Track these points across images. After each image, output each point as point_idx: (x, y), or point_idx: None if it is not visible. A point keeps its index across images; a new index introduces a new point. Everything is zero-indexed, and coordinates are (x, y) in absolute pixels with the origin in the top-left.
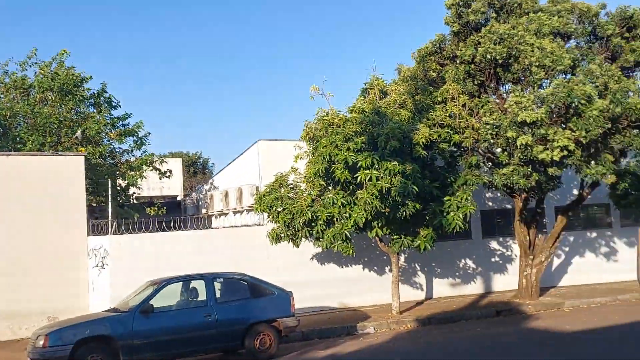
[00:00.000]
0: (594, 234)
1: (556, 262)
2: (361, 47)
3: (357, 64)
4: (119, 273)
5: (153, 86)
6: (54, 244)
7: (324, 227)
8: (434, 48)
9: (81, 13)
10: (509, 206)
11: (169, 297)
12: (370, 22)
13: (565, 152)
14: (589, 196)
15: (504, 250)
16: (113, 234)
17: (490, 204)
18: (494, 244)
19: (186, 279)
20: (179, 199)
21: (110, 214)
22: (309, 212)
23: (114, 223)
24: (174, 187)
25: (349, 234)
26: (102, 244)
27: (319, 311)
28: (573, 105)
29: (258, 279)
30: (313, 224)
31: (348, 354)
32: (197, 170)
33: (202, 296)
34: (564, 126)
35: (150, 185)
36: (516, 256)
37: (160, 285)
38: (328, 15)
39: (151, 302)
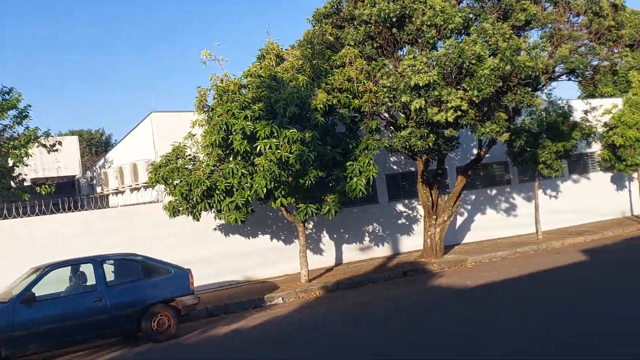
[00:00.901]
0: (494, 192)
1: (459, 220)
2: (260, 13)
3: (256, 29)
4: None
5: (43, 65)
6: None
7: (223, 197)
8: (331, 9)
9: None
10: (413, 169)
11: (56, 284)
12: None
13: (459, 113)
14: (487, 155)
15: (410, 212)
16: None
17: (395, 167)
18: (400, 207)
19: (72, 263)
20: (77, 178)
21: None
22: (207, 182)
23: None
24: (71, 166)
25: (241, 204)
26: None
27: (226, 286)
28: (465, 65)
29: (152, 258)
30: (212, 195)
31: (253, 327)
32: (99, 149)
33: (91, 280)
34: (458, 87)
35: (45, 166)
36: (421, 217)
37: (43, 271)
38: None
39: (33, 290)
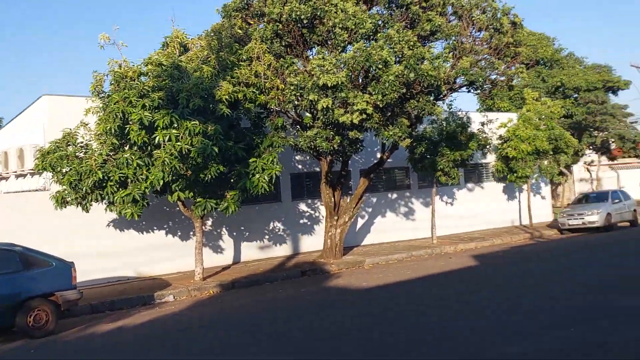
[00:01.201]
0: (395, 195)
1: (360, 222)
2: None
3: (164, 17)
4: None
5: None
6: None
7: (116, 189)
8: (241, 4)
9: None
10: (317, 169)
11: None
12: None
13: (364, 116)
14: (390, 159)
15: (312, 212)
16: None
17: (300, 166)
18: (302, 206)
19: None
20: None
21: None
22: (99, 172)
23: None
24: None
25: (138, 196)
26: None
27: (115, 282)
28: (372, 70)
29: (32, 250)
30: (104, 186)
31: (137, 326)
32: None
33: None
34: (364, 91)
35: None
36: (323, 217)
37: None
38: None
39: None
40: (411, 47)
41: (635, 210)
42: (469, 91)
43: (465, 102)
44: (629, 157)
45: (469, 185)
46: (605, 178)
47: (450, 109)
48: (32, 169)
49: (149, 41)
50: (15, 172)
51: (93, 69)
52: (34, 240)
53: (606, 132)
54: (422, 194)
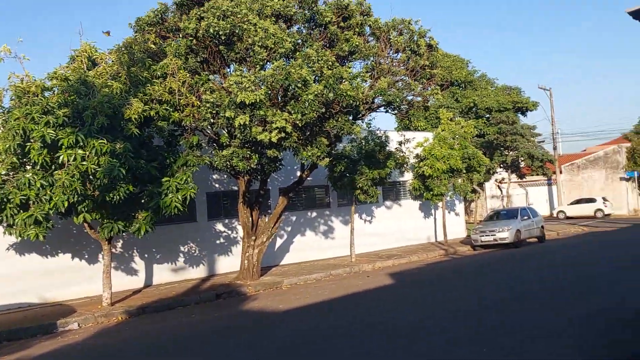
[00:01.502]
0: (315, 214)
1: (279, 241)
2: (79, 16)
3: (72, 30)
4: None
5: None
6: None
7: (17, 211)
8: (155, 18)
9: None
10: (235, 188)
11: None
12: None
13: (283, 134)
14: (309, 178)
15: (230, 232)
16: None
17: (217, 185)
18: (219, 226)
19: None
20: None
21: None
22: None
23: None
24: None
25: (41, 217)
26: None
27: (15, 309)
28: (291, 88)
29: None
30: (3, 208)
31: (37, 357)
32: None
33: None
34: (283, 109)
35: None
36: (241, 238)
37: None
38: None
39: None
40: (330, 67)
41: (542, 227)
42: (386, 111)
43: (383, 121)
44: (537, 175)
45: (387, 203)
46: (515, 195)
47: (369, 128)
48: None
49: (57, 57)
50: None
51: None
52: None
53: (516, 151)
54: (342, 212)
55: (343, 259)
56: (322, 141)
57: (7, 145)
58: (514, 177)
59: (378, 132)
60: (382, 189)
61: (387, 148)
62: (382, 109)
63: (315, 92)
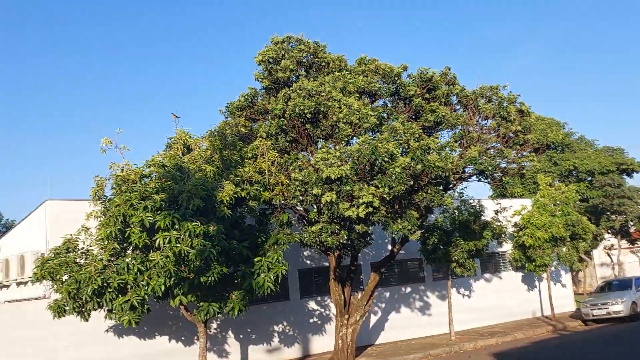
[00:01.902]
0: (409, 289)
1: (373, 319)
2: (173, 103)
3: (168, 118)
4: None
5: None
6: None
7: (115, 295)
8: (245, 102)
9: None
10: (327, 264)
11: None
12: (181, 76)
13: (371, 209)
14: (402, 251)
15: (322, 310)
16: None
17: (308, 262)
18: (312, 304)
19: None
20: None
21: None
22: (98, 279)
23: None
24: None
25: (136, 303)
26: None
27: None
28: (377, 162)
29: None
30: (103, 293)
31: None
32: None
33: None
34: (370, 183)
35: None
36: (334, 315)
37: None
38: (142, 71)
39: None
40: (417, 139)
41: None
42: (479, 180)
43: (477, 189)
44: None
45: (486, 275)
46: (627, 262)
47: (461, 198)
48: (32, 278)
49: (153, 141)
50: (16, 279)
51: (96, 172)
52: (29, 352)
53: (624, 215)
54: (437, 287)
55: (441, 337)
56: (412, 214)
57: (109, 231)
58: (624, 242)
59: (472, 201)
60: (479, 261)
61: (483, 218)
62: (474, 178)
63: (402, 165)
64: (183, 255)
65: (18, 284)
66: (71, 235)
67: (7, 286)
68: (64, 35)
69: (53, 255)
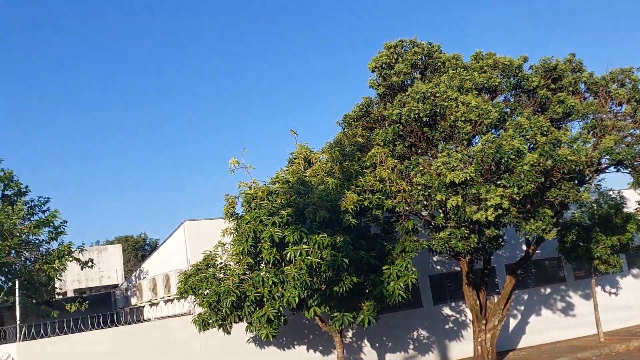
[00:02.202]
0: (549, 290)
1: (512, 322)
2: (290, 118)
3: (284, 135)
4: None
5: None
6: None
7: (253, 308)
8: (360, 112)
9: None
10: (458, 268)
11: None
12: (297, 91)
13: (500, 211)
14: (537, 251)
15: (458, 316)
16: (22, 340)
17: (438, 267)
18: (446, 310)
19: None
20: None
21: (18, 317)
22: (236, 291)
23: (23, 328)
24: (113, 275)
25: (272, 316)
26: (10, 353)
27: None
28: (503, 161)
29: None
30: (242, 306)
31: None
32: (144, 253)
33: None
34: (496, 183)
35: (88, 276)
36: (470, 321)
37: None
38: (253, 87)
39: None
40: (544, 133)
41: None
42: (617, 170)
43: (616, 180)
44: None
45: (634, 271)
46: None
47: (599, 190)
48: (177, 294)
49: (274, 157)
50: (163, 297)
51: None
52: None
53: None
54: (580, 286)
55: (588, 338)
56: (545, 212)
57: (242, 248)
58: None
59: (611, 193)
60: (624, 256)
61: (625, 210)
62: (611, 169)
63: (531, 162)
64: (315, 266)
65: (165, 302)
66: (210, 251)
67: (156, 304)
68: (202, 64)
69: (194, 271)
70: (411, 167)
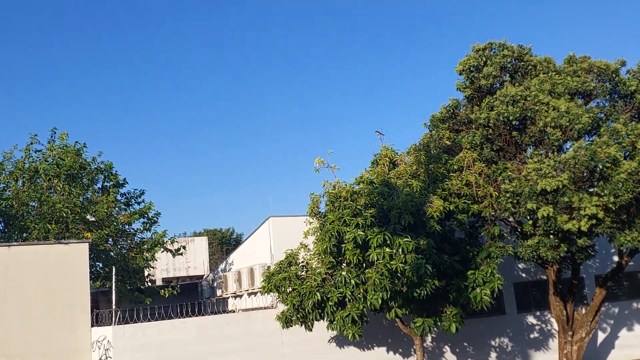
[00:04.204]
0: None
1: (601, 336)
2: (375, 120)
3: (368, 136)
4: None
5: (177, 164)
6: (56, 338)
7: (335, 308)
8: (447, 114)
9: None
10: (544, 277)
11: None
12: (382, 92)
13: (594, 221)
14: (630, 263)
15: (543, 325)
16: (117, 323)
17: (524, 275)
18: (530, 319)
19: None
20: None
21: (114, 302)
22: (318, 293)
23: (118, 312)
24: (200, 266)
25: (356, 317)
26: (106, 335)
27: None
28: (598, 168)
29: None
30: (324, 305)
31: None
32: (230, 247)
33: None
34: (590, 190)
35: (176, 266)
36: (556, 331)
37: None
38: (339, 87)
39: None
40: None
41: None
42: None
43: None
44: None
45: None
46: None
47: None
48: (260, 289)
49: (355, 157)
50: (247, 290)
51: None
52: (261, 357)
53: None
54: None
55: None
56: None
57: (325, 247)
58: None
59: None
60: None
61: None
62: None
63: (629, 170)
64: (399, 271)
65: (249, 294)
66: (292, 249)
67: (240, 296)
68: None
69: (278, 269)
70: (499, 172)
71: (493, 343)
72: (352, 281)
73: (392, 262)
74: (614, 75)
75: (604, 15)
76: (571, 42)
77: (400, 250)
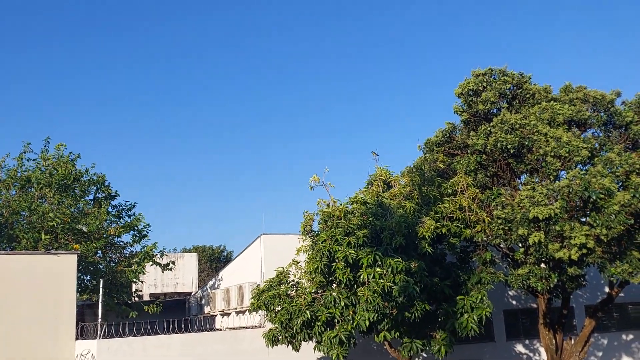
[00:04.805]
0: (631, 336)
1: None
2: (370, 139)
3: (366, 155)
4: None
5: (169, 181)
6: (40, 349)
7: (324, 329)
8: (443, 137)
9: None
10: (534, 305)
11: None
12: (379, 112)
13: (585, 250)
14: (621, 294)
15: (531, 354)
16: (102, 337)
17: (514, 302)
18: (519, 347)
19: None
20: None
21: (100, 316)
22: (307, 312)
23: (104, 326)
24: (188, 283)
25: (344, 338)
26: (90, 349)
27: None
28: (591, 199)
29: None
30: (312, 325)
31: None
32: (219, 264)
33: None
34: (583, 220)
35: (164, 282)
36: None
37: None
38: (336, 106)
39: None
40: (639, 172)
41: None
42: None
43: None
44: None
45: None
46: None
47: None
48: (249, 307)
49: (350, 177)
50: (235, 308)
51: (304, 209)
52: None
53: None
54: None
55: None
56: (633, 255)
57: (316, 266)
58: None
59: None
60: None
61: None
62: None
63: (622, 202)
64: (387, 290)
65: (237, 313)
66: (283, 268)
67: (228, 314)
68: (279, 78)
69: (268, 287)
70: (492, 197)
71: None
72: (342, 302)
73: (381, 281)
74: (609, 106)
75: (601, 47)
76: (568, 72)
77: (390, 270)
